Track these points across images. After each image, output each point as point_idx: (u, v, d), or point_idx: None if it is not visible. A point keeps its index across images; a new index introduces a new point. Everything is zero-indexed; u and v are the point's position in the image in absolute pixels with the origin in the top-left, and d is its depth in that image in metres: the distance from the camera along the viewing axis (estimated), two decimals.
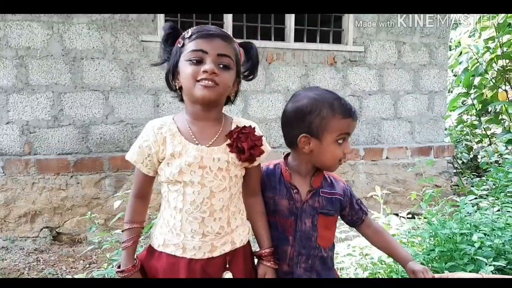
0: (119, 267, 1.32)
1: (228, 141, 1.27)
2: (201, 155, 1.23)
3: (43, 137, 3.74)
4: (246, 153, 1.26)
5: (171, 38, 1.29)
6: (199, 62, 1.20)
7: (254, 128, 1.31)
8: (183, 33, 1.26)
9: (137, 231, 1.32)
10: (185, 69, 1.21)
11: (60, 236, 3.78)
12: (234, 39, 1.30)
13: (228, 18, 4.13)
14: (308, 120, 1.31)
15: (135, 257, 1.32)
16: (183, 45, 1.24)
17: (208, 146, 1.25)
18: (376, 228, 1.48)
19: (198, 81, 1.19)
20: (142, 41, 3.89)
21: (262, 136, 1.32)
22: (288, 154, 1.46)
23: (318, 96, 1.33)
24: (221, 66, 1.21)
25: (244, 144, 1.26)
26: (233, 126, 1.30)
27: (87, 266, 3.30)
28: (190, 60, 1.20)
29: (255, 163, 1.33)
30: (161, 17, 3.92)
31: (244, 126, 1.30)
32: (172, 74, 1.28)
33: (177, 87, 1.29)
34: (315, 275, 1.37)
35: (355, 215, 1.46)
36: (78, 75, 3.77)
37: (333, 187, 1.41)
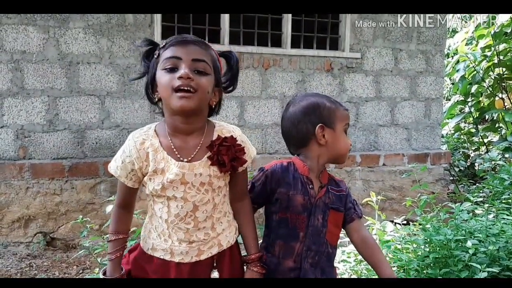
0: (104, 273, 1.31)
1: (209, 154, 1.24)
2: (182, 172, 1.21)
3: (38, 141, 3.72)
4: (227, 165, 1.24)
5: (151, 53, 1.26)
6: (174, 69, 1.17)
7: (236, 138, 1.28)
8: (159, 45, 1.24)
9: (122, 242, 1.32)
10: (161, 78, 1.18)
11: (54, 242, 3.75)
12: (212, 47, 1.28)
13: (224, 24, 4.14)
14: (318, 112, 1.39)
15: (121, 267, 1.32)
16: (159, 55, 1.22)
17: (189, 161, 1.23)
18: (364, 235, 1.44)
19: (175, 90, 1.15)
20: (139, 46, 3.88)
21: (244, 147, 1.30)
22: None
23: (315, 95, 1.46)
24: (197, 71, 1.18)
25: (225, 157, 1.24)
26: (215, 135, 1.27)
27: (81, 271, 3.27)
28: (165, 69, 1.18)
29: (240, 169, 1.32)
30: (158, 22, 3.93)
31: (225, 137, 1.26)
32: (151, 86, 1.26)
33: (157, 100, 1.26)
34: (319, 271, 1.38)
35: (345, 212, 1.46)
36: (74, 80, 3.77)
37: (338, 185, 1.47)
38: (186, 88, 1.15)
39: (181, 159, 1.22)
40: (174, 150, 1.23)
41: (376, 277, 2.27)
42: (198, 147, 1.24)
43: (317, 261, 1.38)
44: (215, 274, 1.31)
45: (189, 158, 1.23)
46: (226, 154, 1.24)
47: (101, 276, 1.31)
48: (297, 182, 1.39)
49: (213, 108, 1.31)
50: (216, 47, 1.35)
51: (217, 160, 1.24)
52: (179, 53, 1.18)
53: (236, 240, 1.39)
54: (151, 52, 1.26)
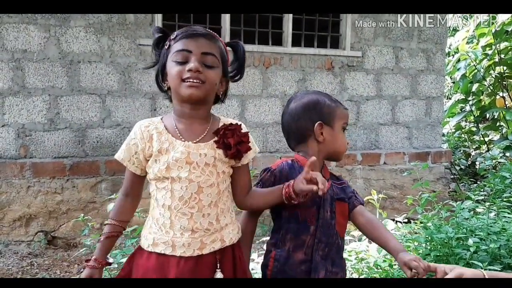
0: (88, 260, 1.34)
1: (215, 138, 1.29)
2: (188, 151, 1.25)
3: (39, 140, 3.73)
4: (233, 148, 1.27)
5: (162, 41, 1.31)
6: (184, 62, 1.22)
7: (240, 125, 1.33)
8: (170, 35, 1.29)
9: (116, 228, 1.34)
10: (171, 69, 1.24)
11: (55, 240, 3.76)
12: (220, 38, 1.33)
13: (225, 23, 4.14)
14: (318, 110, 1.42)
15: (108, 256, 1.36)
16: (169, 46, 1.27)
17: (195, 143, 1.27)
18: (369, 218, 1.46)
19: (184, 80, 1.22)
20: (140, 44, 3.89)
21: (248, 132, 1.34)
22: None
23: (317, 93, 1.48)
24: (206, 64, 1.23)
25: (231, 140, 1.27)
26: (220, 124, 1.32)
27: (82, 270, 3.27)
28: (176, 61, 1.23)
29: (244, 161, 1.34)
30: (158, 21, 3.93)
31: (231, 123, 1.32)
32: (161, 75, 1.31)
33: (166, 88, 1.32)
34: (330, 262, 1.40)
35: (347, 200, 1.49)
36: (75, 79, 3.77)
37: (338, 179, 1.53)
38: (195, 81, 1.21)
39: (186, 141, 1.27)
40: (178, 133, 1.28)
41: (377, 276, 2.28)
42: (205, 133, 1.29)
43: (327, 252, 1.39)
44: (217, 275, 1.29)
45: (195, 141, 1.27)
46: (231, 137, 1.28)
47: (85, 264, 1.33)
48: None
49: (219, 96, 1.36)
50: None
51: (223, 143, 1.28)
52: (189, 46, 1.23)
53: (239, 244, 1.38)
54: (161, 40, 1.32)
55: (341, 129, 1.45)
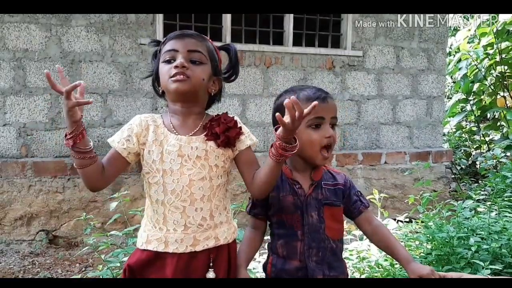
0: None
1: (205, 132, 1.32)
2: (180, 144, 1.29)
3: (40, 139, 3.73)
4: (221, 136, 1.29)
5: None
6: (172, 60, 1.28)
7: (226, 113, 1.35)
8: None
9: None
10: (161, 69, 1.30)
11: (57, 239, 3.76)
12: (209, 39, 1.38)
13: (226, 22, 4.14)
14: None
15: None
16: (160, 50, 1.33)
17: (187, 137, 1.31)
18: (377, 225, 1.43)
19: (171, 77, 1.26)
20: (141, 44, 3.89)
21: (234, 117, 1.34)
22: None
23: (287, 91, 1.41)
24: (192, 61, 1.27)
25: (217, 129, 1.30)
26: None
27: (83, 269, 3.28)
28: (165, 61, 1.29)
29: (240, 146, 1.32)
30: (160, 20, 3.93)
31: (218, 114, 1.34)
32: (157, 79, 1.37)
33: (161, 91, 1.36)
34: (326, 267, 1.37)
35: (352, 205, 1.45)
36: (76, 78, 3.77)
37: (334, 179, 1.44)
38: (180, 76, 1.24)
39: (179, 135, 1.31)
40: (173, 128, 1.32)
41: (378, 275, 2.29)
42: (197, 127, 1.33)
43: (322, 257, 1.36)
44: (210, 274, 1.29)
45: (188, 135, 1.31)
46: (218, 126, 1.30)
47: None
48: (285, 183, 1.40)
49: (213, 96, 1.39)
50: (217, 45, 1.42)
51: (211, 134, 1.30)
52: (176, 46, 1.28)
53: (235, 245, 1.39)
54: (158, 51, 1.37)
55: (306, 127, 1.30)
